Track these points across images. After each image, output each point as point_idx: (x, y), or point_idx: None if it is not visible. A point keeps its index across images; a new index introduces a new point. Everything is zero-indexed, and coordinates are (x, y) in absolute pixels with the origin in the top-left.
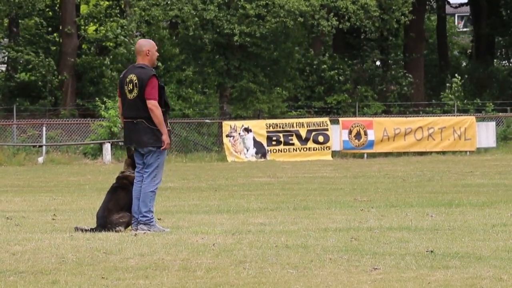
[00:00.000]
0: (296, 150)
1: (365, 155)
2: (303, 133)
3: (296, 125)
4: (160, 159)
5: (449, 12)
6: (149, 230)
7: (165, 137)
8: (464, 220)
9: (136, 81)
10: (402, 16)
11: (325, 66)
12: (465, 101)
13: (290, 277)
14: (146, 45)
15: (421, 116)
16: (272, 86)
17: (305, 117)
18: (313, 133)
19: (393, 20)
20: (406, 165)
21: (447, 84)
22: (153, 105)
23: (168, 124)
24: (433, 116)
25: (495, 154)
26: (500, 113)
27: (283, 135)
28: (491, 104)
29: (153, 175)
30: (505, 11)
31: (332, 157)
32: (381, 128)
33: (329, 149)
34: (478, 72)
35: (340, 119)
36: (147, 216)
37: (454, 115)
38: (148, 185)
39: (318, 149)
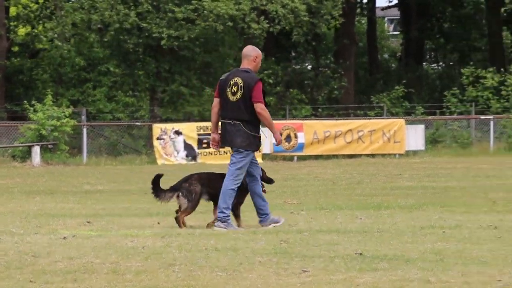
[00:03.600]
0: (226, 153)
1: (295, 158)
2: None
3: None
4: (245, 161)
5: (379, 15)
6: (225, 228)
7: (276, 136)
8: (393, 222)
9: (242, 84)
10: (332, 20)
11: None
12: (395, 104)
13: (219, 280)
14: (255, 52)
15: (351, 119)
16: (203, 89)
17: None
18: None
19: (323, 24)
20: (336, 168)
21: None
22: (261, 108)
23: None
24: (363, 119)
25: (423, 157)
26: (429, 116)
27: None
28: (420, 107)
29: (236, 174)
30: (434, 15)
31: (262, 159)
32: (311, 131)
33: (260, 152)
34: (407, 76)
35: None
36: (225, 213)
37: (383, 118)
38: (230, 183)
39: None
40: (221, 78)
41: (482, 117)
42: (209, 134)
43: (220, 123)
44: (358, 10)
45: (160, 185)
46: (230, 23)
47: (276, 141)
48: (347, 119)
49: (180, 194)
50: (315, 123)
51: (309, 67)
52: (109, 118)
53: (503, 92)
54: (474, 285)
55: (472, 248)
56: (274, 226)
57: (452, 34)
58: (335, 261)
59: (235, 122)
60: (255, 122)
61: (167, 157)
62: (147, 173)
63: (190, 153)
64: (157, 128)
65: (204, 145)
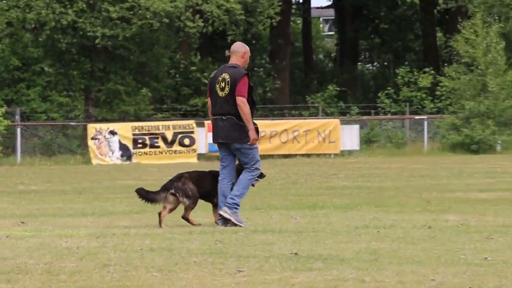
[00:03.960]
0: (162, 153)
1: None
2: (169, 135)
3: (162, 127)
4: (254, 151)
5: (315, 15)
6: (230, 217)
7: (251, 133)
8: (328, 222)
9: (229, 79)
10: (268, 19)
11: (194, 67)
12: (330, 104)
13: (154, 280)
14: (243, 48)
15: (286, 119)
16: (138, 88)
17: (171, 120)
18: (179, 135)
19: (259, 23)
20: (271, 168)
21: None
22: (241, 101)
23: (254, 122)
24: (298, 119)
25: (358, 157)
26: (364, 116)
27: (149, 137)
28: (355, 107)
29: (254, 167)
30: (369, 15)
31: (197, 159)
32: None
33: (195, 151)
34: (342, 76)
35: (206, 121)
36: (235, 200)
37: (318, 118)
38: (248, 174)
39: (184, 152)
40: (210, 77)
41: (417, 117)
42: (145, 134)
43: (212, 120)
44: (294, 10)
45: (147, 189)
46: (166, 20)
47: (250, 139)
48: (282, 119)
49: (177, 194)
50: None
51: None
52: (44, 118)
53: (437, 93)
54: (408, 285)
55: (406, 248)
56: (234, 222)
57: (387, 34)
58: (270, 261)
59: (228, 117)
60: None
61: (102, 157)
62: (82, 173)
63: (125, 153)
64: (92, 128)
65: (139, 145)
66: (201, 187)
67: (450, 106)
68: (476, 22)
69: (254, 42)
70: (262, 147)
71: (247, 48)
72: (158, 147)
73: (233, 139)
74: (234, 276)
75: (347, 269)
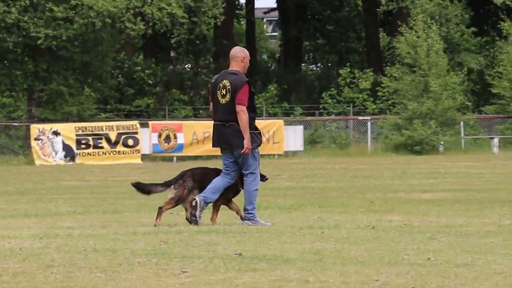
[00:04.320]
0: (105, 154)
1: (175, 159)
2: (112, 136)
3: (106, 128)
4: (255, 157)
5: (258, 16)
6: (255, 225)
7: (246, 142)
8: (272, 222)
9: (229, 86)
10: (213, 19)
11: (138, 67)
12: (274, 105)
13: (98, 281)
14: (242, 53)
15: None
16: (82, 89)
17: (114, 120)
18: (123, 136)
19: (203, 24)
20: None
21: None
22: (241, 109)
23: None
24: None
25: (302, 158)
26: (308, 117)
27: (92, 138)
28: (299, 108)
29: (255, 174)
30: (313, 16)
31: (141, 160)
32: (191, 132)
33: (139, 152)
34: (286, 77)
35: (150, 122)
36: (252, 213)
37: (262, 119)
38: (251, 184)
39: (128, 153)
40: (211, 81)
41: (360, 118)
42: (88, 135)
43: (213, 125)
44: (237, 11)
45: (143, 182)
46: (109, 20)
47: (243, 146)
48: None
49: (172, 187)
50: (195, 123)
51: (189, 67)
52: None
53: (380, 94)
54: (352, 285)
55: (350, 248)
56: (251, 223)
57: (331, 35)
58: (215, 262)
59: (230, 123)
60: (249, 121)
61: (45, 158)
62: (25, 174)
63: (69, 153)
64: (35, 128)
65: (83, 146)
66: (204, 184)
67: (393, 106)
68: (417, 24)
69: (198, 42)
70: (206, 147)
71: (246, 52)
72: (102, 147)
73: (235, 146)
74: (179, 277)
75: (291, 269)
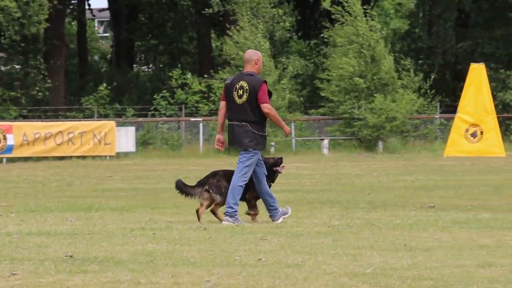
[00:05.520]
0: None
1: (4, 160)
2: None
3: None
4: (252, 159)
5: (90, 17)
6: (233, 223)
7: (286, 128)
8: (104, 224)
9: (247, 87)
10: (38, 23)
11: None
12: (106, 106)
13: None
14: (256, 55)
15: (61, 121)
16: None
17: None
18: None
19: (31, 25)
20: (46, 170)
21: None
22: (268, 108)
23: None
24: (73, 120)
25: (134, 159)
26: (140, 118)
27: None
28: (130, 109)
29: (244, 171)
30: (144, 17)
31: None
32: (21, 133)
33: None
34: (118, 78)
35: None
36: (234, 208)
37: (94, 120)
38: (238, 179)
39: None
40: (226, 82)
41: (192, 119)
42: None
43: (228, 125)
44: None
45: (186, 183)
46: None
47: (285, 132)
48: (57, 121)
49: (211, 191)
50: (25, 124)
51: (18, 67)
52: None
53: (212, 96)
54: (183, 286)
55: (182, 249)
56: (284, 218)
57: (163, 36)
58: (45, 264)
59: (243, 123)
60: (261, 122)
61: None
62: None
63: None
64: None
65: None
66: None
67: None
68: (243, 26)
69: (27, 43)
70: (37, 148)
71: (260, 54)
72: None
73: (244, 145)
74: (8, 280)
75: (122, 271)
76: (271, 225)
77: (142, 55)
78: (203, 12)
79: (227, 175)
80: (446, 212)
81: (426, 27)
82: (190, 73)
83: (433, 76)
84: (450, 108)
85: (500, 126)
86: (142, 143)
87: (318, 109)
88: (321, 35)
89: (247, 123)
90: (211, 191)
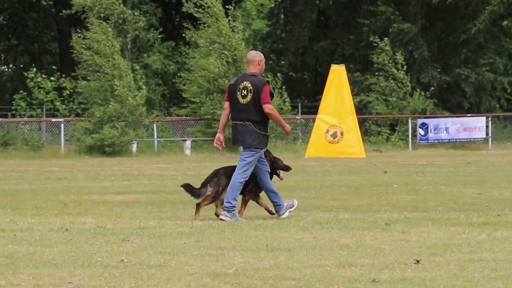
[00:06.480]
0: None
1: None
2: None
3: None
4: (253, 157)
5: None
6: (231, 218)
7: (287, 127)
8: None
9: (251, 87)
10: None
11: None
12: None
13: None
14: (258, 56)
15: None
16: None
17: None
18: None
19: None
20: None
21: None
22: (269, 108)
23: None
24: None
25: None
26: (0, 119)
27: None
28: None
29: (245, 169)
30: (4, 17)
31: None
32: None
33: None
34: None
35: None
36: (231, 203)
37: None
38: (239, 176)
39: None
40: (230, 83)
41: (53, 119)
42: None
43: (231, 124)
44: None
45: (193, 186)
46: None
47: (286, 131)
48: None
49: (208, 185)
50: None
51: None
52: None
53: (66, 94)
54: (45, 287)
55: (43, 251)
56: (290, 212)
57: (23, 36)
58: None
59: (246, 123)
60: (264, 122)
61: None
62: None
63: None
64: None
65: None
66: None
67: (84, 110)
68: (93, 27)
69: None
70: None
71: (262, 55)
72: None
73: (247, 144)
74: None
75: None
76: (133, 226)
77: (2, 55)
78: (61, 14)
79: (228, 172)
80: (307, 213)
81: (285, 27)
82: (38, 72)
83: (280, 76)
84: (311, 109)
85: (360, 127)
86: (2, 143)
87: (181, 109)
88: (183, 35)
89: (250, 123)
90: (208, 185)
